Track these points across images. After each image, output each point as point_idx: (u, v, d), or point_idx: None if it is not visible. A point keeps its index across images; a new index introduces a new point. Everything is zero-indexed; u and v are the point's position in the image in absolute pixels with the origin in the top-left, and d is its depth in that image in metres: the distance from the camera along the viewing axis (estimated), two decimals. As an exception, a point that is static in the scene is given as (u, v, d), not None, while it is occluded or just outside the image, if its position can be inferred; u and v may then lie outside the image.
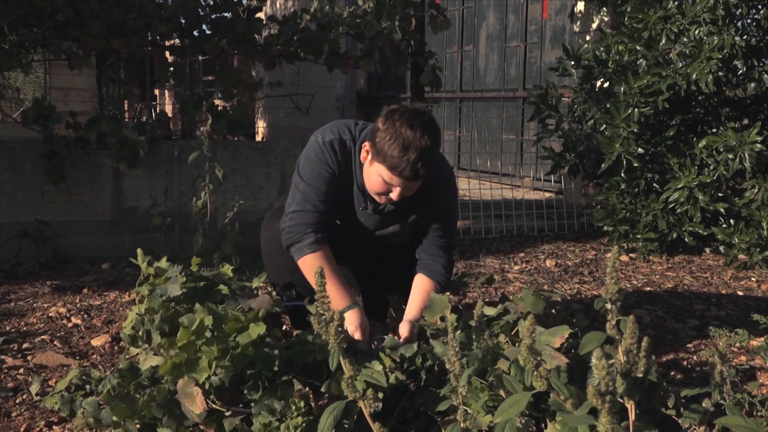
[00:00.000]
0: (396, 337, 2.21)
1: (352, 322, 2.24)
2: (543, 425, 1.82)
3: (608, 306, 1.22)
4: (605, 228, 4.86)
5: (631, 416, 1.12)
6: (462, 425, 1.43)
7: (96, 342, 2.87)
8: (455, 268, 3.00)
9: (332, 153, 2.34)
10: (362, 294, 2.91)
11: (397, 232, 2.49)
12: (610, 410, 0.95)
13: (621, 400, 1.12)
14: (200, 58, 8.62)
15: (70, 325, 3.11)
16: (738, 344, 2.83)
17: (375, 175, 2.23)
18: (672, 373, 2.59)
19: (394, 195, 2.23)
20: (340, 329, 1.37)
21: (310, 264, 2.31)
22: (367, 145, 2.25)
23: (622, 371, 1.09)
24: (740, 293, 3.80)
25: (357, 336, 2.22)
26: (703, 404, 1.32)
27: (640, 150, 4.50)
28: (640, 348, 1.11)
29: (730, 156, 4.26)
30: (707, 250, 4.78)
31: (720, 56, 4.21)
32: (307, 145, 2.41)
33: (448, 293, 2.28)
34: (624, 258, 4.62)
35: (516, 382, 1.29)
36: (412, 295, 2.42)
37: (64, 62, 4.94)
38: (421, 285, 2.44)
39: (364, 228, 2.50)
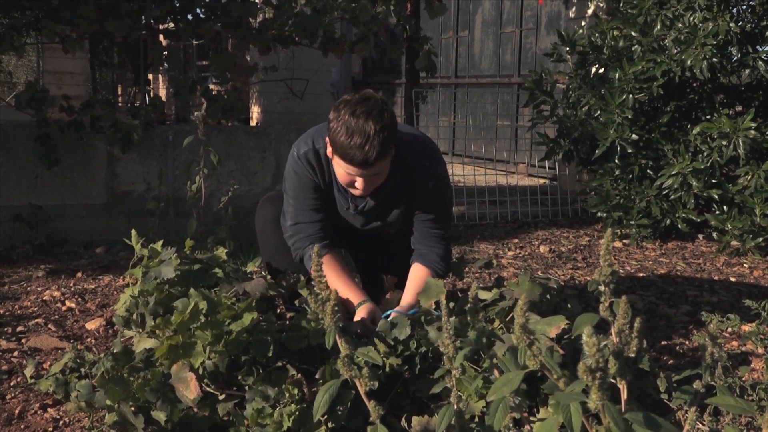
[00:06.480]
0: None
1: (366, 315, 2.26)
2: (536, 411, 1.83)
3: (601, 288, 1.22)
4: (599, 214, 4.87)
5: (623, 395, 1.13)
6: (455, 407, 1.44)
7: (90, 325, 2.87)
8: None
9: (307, 165, 2.43)
10: (361, 277, 2.93)
11: (386, 224, 2.52)
12: (600, 386, 0.96)
13: (613, 380, 1.14)
14: (194, 42, 8.58)
15: (64, 308, 3.11)
16: (730, 329, 2.85)
17: (337, 168, 2.27)
18: (664, 358, 2.61)
19: (358, 184, 2.25)
20: (336, 308, 1.38)
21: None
22: (327, 141, 2.28)
23: (615, 351, 1.10)
24: (732, 279, 3.82)
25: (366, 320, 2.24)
26: (694, 385, 1.34)
27: (634, 136, 4.51)
28: (632, 328, 1.12)
29: (724, 143, 4.27)
30: (700, 236, 4.80)
31: (714, 42, 4.21)
32: (288, 157, 2.50)
33: (448, 278, 2.28)
34: (617, 244, 4.64)
35: (510, 362, 1.29)
36: (407, 283, 2.43)
37: (57, 46, 4.90)
38: (416, 273, 2.44)
39: (353, 225, 2.57)
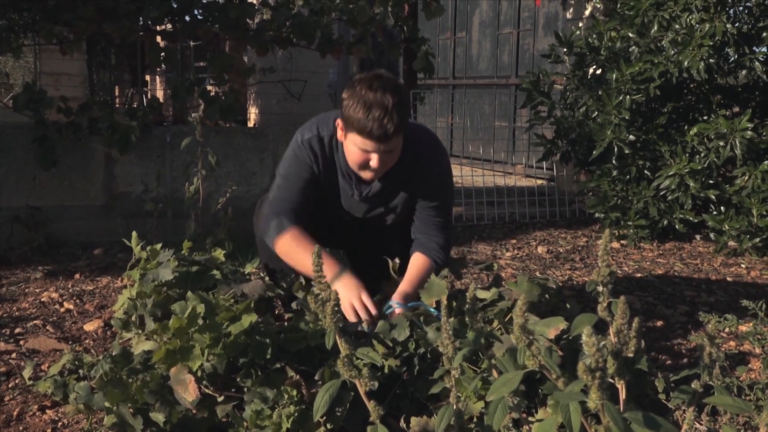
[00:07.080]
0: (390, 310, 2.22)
1: (353, 287, 2.25)
2: (535, 412, 1.83)
3: (600, 288, 1.23)
4: (597, 215, 4.88)
5: (622, 395, 1.14)
6: (454, 408, 1.44)
7: (88, 327, 2.87)
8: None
9: (310, 151, 2.42)
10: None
11: (388, 211, 2.52)
12: (600, 386, 0.97)
13: (612, 380, 1.14)
14: (192, 43, 8.57)
15: (62, 310, 3.11)
16: (727, 330, 2.86)
17: (351, 146, 2.26)
18: (662, 358, 2.61)
19: (373, 162, 2.25)
20: (336, 308, 1.38)
21: (282, 247, 2.39)
22: (339, 122, 2.29)
23: (613, 351, 1.11)
24: (730, 280, 3.83)
25: (364, 298, 2.24)
26: (692, 385, 1.34)
27: (631, 137, 4.52)
28: (630, 329, 1.12)
29: (721, 143, 4.28)
30: (698, 237, 4.81)
31: (711, 43, 4.22)
32: (291, 142, 2.49)
33: (446, 274, 2.27)
34: (615, 245, 4.64)
35: (508, 362, 1.30)
36: (407, 271, 2.43)
37: (54, 47, 4.90)
38: (415, 262, 2.44)
39: (353, 215, 2.55)
